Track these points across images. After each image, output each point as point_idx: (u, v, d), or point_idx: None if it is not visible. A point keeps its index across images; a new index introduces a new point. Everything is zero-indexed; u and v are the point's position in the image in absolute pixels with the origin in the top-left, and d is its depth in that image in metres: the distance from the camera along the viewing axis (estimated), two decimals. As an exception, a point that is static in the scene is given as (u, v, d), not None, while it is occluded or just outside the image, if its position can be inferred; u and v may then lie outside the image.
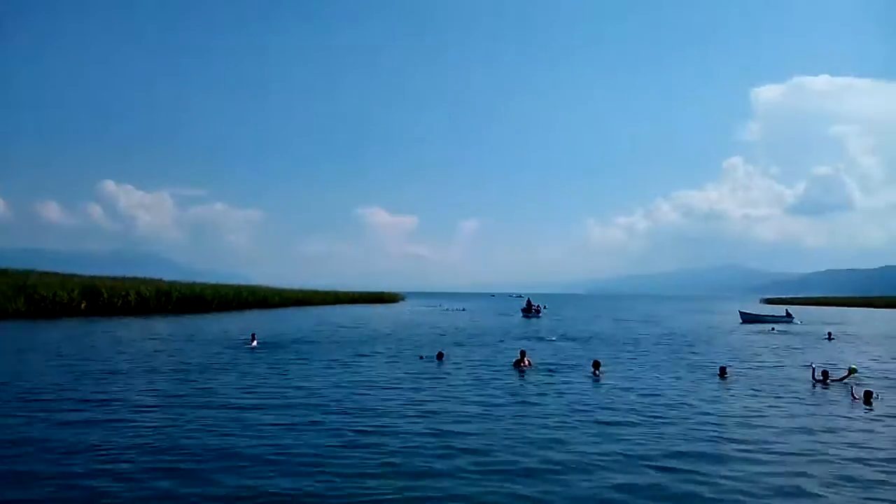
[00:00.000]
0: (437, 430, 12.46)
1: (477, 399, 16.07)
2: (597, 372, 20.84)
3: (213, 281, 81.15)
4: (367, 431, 12.26)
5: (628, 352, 29.03)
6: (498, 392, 17.22)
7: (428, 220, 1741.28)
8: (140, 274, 70.28)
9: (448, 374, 20.97)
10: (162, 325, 42.50)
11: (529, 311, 68.99)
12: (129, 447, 10.80)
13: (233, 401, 15.24)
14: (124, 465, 9.77)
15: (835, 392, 17.82)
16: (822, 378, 19.41)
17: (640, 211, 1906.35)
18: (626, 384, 18.82)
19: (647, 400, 16.16)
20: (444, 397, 16.37)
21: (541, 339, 36.36)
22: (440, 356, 24.90)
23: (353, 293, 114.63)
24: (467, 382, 19.00)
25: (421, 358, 25.03)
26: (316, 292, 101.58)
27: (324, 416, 13.69)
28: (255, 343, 28.61)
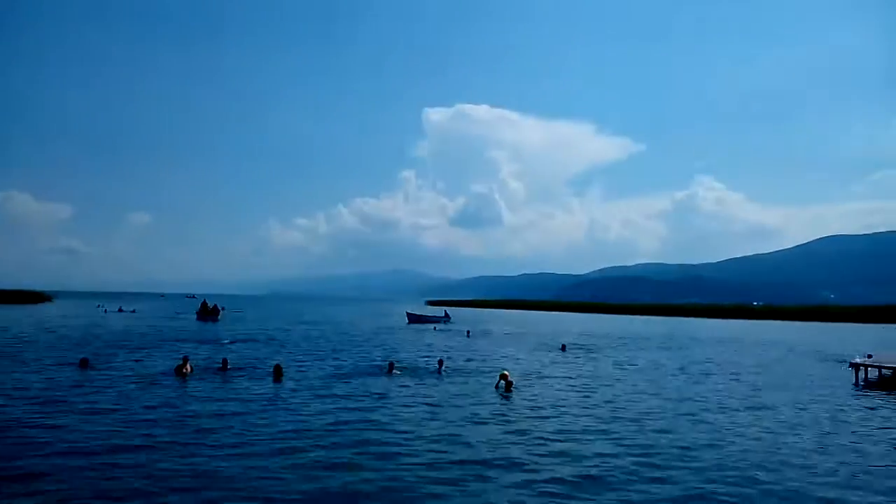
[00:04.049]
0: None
1: (113, 411, 15.00)
2: (278, 376, 20.87)
3: None
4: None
5: (308, 354, 29.68)
6: (156, 400, 16.36)
7: (86, 210, 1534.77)
8: None
9: (87, 383, 18.95)
10: None
11: (206, 312, 66.01)
12: None
13: None
14: None
15: (487, 382, 21.05)
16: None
17: (322, 215, 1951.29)
18: (302, 387, 19.24)
19: (323, 399, 17.00)
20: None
21: (215, 342, 35.31)
22: (84, 363, 22.44)
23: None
24: (110, 393, 17.36)
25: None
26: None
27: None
28: None
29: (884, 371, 23.97)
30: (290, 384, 19.81)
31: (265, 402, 16.57)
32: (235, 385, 19.43)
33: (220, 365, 22.68)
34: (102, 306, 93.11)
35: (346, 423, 14.17)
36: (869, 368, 24.09)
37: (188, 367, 21.53)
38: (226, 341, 35.71)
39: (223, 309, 70.90)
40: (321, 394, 18.16)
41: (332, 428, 13.63)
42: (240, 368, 22.94)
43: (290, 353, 30.00)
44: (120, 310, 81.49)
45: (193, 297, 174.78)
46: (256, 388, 19.01)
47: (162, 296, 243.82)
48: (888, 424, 15.53)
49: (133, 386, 18.76)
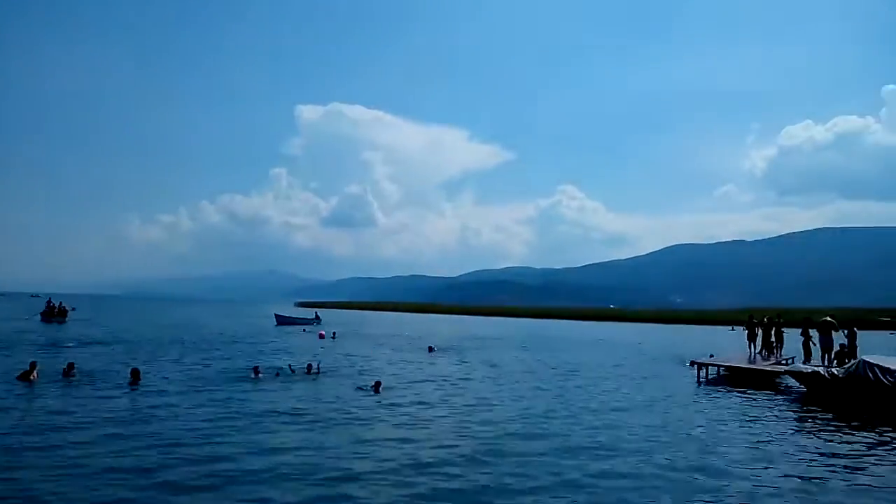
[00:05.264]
0: None
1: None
2: (135, 381, 19.80)
3: None
4: None
5: (166, 359, 28.07)
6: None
7: None
8: None
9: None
10: None
11: (52, 314, 60.62)
12: None
13: None
14: None
15: (353, 384, 21.05)
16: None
17: (185, 211, 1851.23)
18: (159, 395, 18.21)
19: (179, 408, 16.33)
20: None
21: (60, 345, 32.55)
22: None
23: None
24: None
25: None
26: None
27: None
28: None
29: (721, 370, 26.65)
30: (145, 391, 18.79)
31: (116, 412, 15.57)
32: (84, 392, 18.17)
33: (66, 369, 20.96)
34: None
35: (202, 433, 13.49)
36: (709, 367, 26.45)
37: (35, 373, 19.86)
38: (71, 344, 33.04)
39: (72, 310, 65.45)
40: (178, 402, 17.22)
41: (187, 440, 12.89)
42: (88, 374, 21.44)
43: (146, 357, 28.30)
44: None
45: (37, 296, 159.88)
46: (107, 395, 17.85)
47: (2, 294, 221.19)
48: (719, 415, 17.47)
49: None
